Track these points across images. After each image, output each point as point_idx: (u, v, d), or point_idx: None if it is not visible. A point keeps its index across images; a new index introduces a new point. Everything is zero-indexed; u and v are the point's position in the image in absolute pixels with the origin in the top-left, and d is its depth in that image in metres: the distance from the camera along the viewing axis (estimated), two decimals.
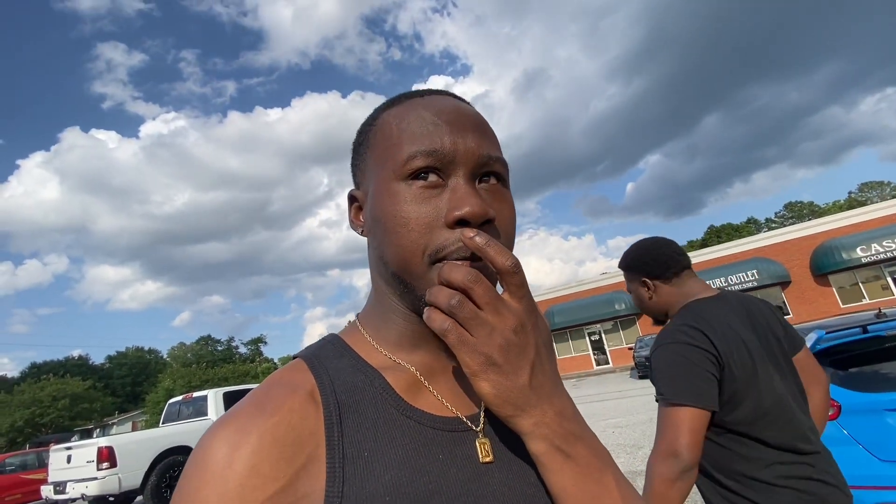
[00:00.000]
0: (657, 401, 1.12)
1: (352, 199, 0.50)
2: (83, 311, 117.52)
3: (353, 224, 0.50)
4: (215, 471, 0.34)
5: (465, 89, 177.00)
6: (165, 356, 57.48)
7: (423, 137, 0.42)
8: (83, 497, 6.93)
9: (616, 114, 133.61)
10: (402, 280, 0.43)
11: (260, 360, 49.14)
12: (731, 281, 19.00)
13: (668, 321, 1.29)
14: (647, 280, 1.34)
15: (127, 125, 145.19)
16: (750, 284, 18.61)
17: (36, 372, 43.51)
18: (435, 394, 0.45)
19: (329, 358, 0.44)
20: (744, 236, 29.97)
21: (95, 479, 6.75)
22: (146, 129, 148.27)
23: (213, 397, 8.61)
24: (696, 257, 20.99)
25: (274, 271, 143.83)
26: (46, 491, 7.46)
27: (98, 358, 60.63)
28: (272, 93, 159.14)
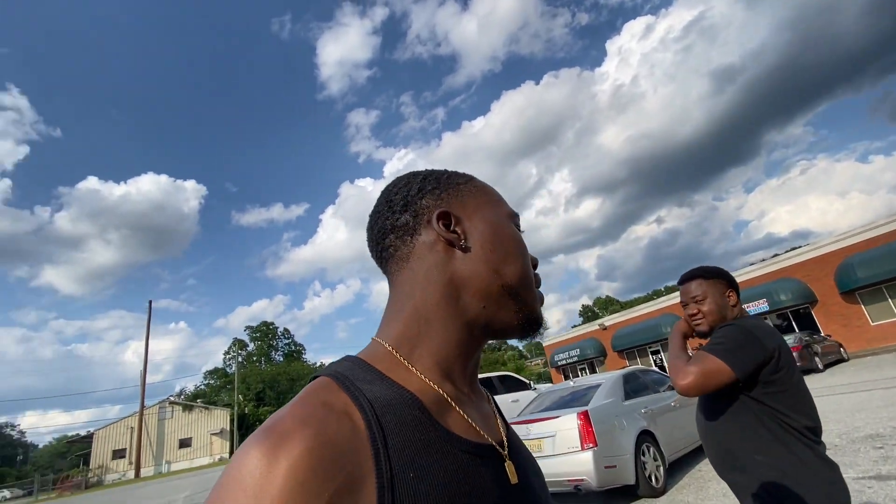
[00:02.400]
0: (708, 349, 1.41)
1: (446, 214, 0.53)
2: (375, 317, 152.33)
3: (445, 235, 0.52)
4: (252, 486, 0.33)
5: (671, 23, 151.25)
6: None
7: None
8: None
9: None
10: (514, 290, 0.52)
11: (505, 348, 53.23)
12: None
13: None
14: (734, 292, 1.57)
15: (376, 170, 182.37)
16: None
17: None
18: (469, 420, 0.48)
19: (360, 379, 0.44)
20: None
21: None
22: (388, 169, 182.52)
23: None
24: None
25: None
26: None
27: None
28: (473, 105, 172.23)
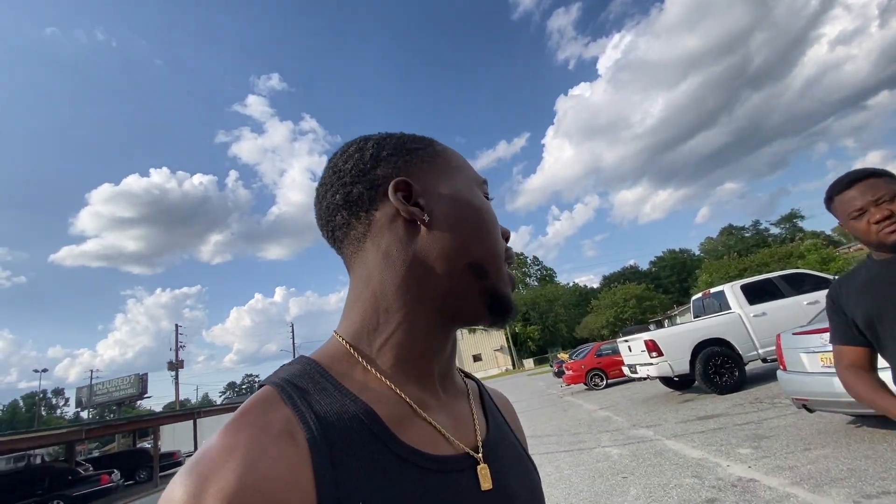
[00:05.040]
0: None
1: (406, 184, 0.45)
2: (621, 229, 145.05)
3: (405, 209, 0.44)
4: None
5: None
6: (697, 252, 60.69)
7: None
8: (648, 377, 8.64)
9: None
10: (482, 268, 0.45)
11: (801, 237, 42.00)
12: None
13: None
14: None
15: (588, 71, 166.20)
16: None
17: (606, 282, 57.90)
18: (436, 427, 0.43)
19: (309, 388, 0.39)
20: None
21: (651, 364, 8.25)
22: (602, 65, 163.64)
23: (730, 291, 8.37)
24: None
25: (785, 133, 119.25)
26: (626, 370, 9.89)
27: (643, 264, 72.15)
28: None
